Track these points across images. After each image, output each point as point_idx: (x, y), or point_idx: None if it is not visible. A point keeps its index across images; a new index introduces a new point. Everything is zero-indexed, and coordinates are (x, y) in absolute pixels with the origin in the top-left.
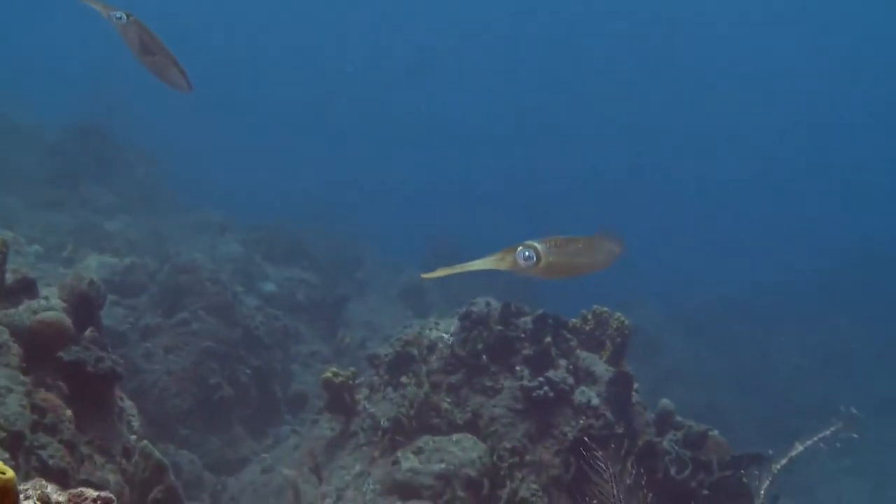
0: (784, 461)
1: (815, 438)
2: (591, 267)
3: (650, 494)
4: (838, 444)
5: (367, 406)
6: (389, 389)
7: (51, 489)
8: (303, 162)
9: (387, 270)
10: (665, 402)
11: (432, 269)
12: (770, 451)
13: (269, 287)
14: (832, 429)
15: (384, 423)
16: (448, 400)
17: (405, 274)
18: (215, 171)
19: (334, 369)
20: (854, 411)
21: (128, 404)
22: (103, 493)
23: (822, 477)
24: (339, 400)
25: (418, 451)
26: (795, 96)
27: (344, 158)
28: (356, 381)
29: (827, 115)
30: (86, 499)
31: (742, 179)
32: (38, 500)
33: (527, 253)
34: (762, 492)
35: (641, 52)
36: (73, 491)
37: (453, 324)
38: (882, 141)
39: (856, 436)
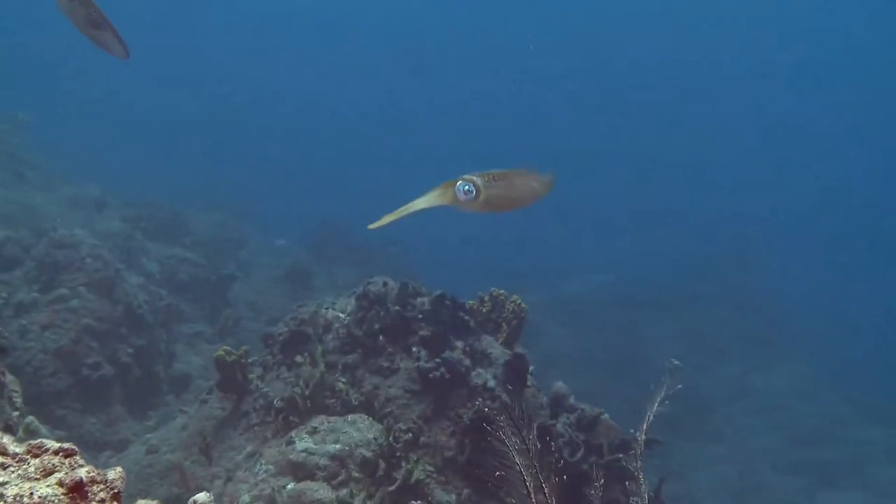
0: (645, 430)
1: (657, 403)
2: (525, 200)
3: (553, 475)
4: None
5: (259, 385)
6: (283, 369)
7: (6, 440)
8: (185, 137)
9: (271, 252)
10: (559, 385)
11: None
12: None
13: (152, 265)
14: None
15: (277, 402)
16: (343, 380)
17: (289, 256)
18: (93, 144)
19: (227, 347)
20: (676, 362)
21: (9, 379)
22: (65, 445)
23: (694, 465)
24: (231, 379)
25: (313, 432)
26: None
27: (228, 137)
28: (249, 360)
29: (696, 107)
30: (47, 450)
31: (620, 170)
32: None
33: (466, 187)
34: (641, 476)
35: None
36: (33, 442)
37: (350, 303)
38: (755, 133)
39: (680, 386)
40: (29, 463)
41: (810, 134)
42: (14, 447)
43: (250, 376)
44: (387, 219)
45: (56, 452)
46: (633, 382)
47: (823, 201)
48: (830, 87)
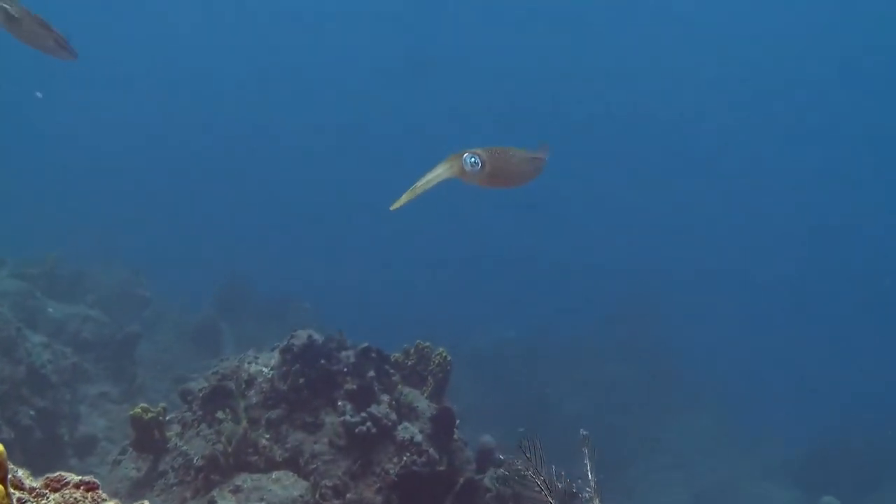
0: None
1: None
2: (526, 175)
3: None
4: None
5: (178, 444)
6: (204, 426)
7: (21, 473)
8: (80, 192)
9: (176, 309)
10: (486, 438)
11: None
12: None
13: (53, 324)
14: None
15: (198, 460)
16: (267, 436)
17: (197, 313)
18: None
19: (144, 405)
20: (584, 432)
21: None
22: (86, 478)
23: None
24: (148, 437)
25: (236, 490)
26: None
27: (129, 190)
28: (167, 418)
29: (596, 160)
30: (67, 483)
31: (522, 223)
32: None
33: (473, 159)
34: None
35: None
36: (52, 475)
37: (273, 357)
38: (655, 187)
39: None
40: (48, 497)
41: (713, 189)
42: (30, 481)
43: (168, 434)
44: (405, 198)
45: (77, 486)
46: (540, 438)
47: (727, 255)
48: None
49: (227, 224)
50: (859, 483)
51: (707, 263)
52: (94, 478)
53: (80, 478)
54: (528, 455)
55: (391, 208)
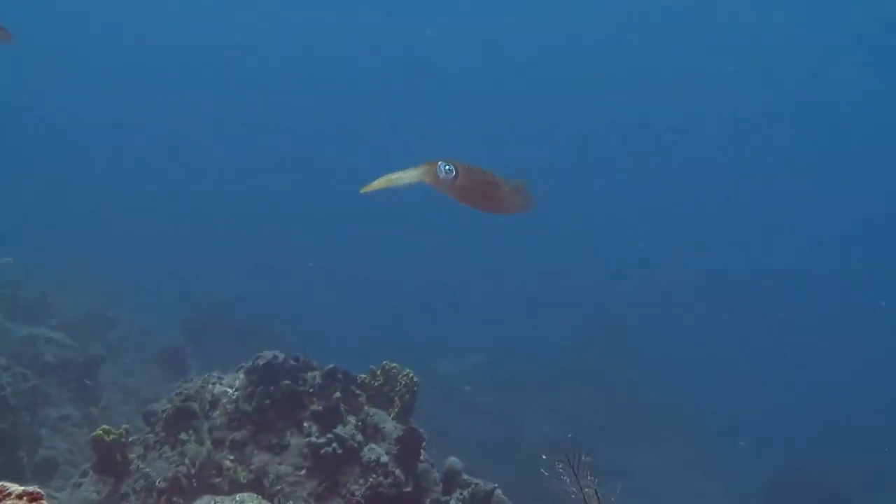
0: None
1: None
2: (502, 203)
3: None
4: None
5: (140, 466)
6: (167, 448)
7: None
8: (44, 212)
9: (141, 331)
10: (452, 460)
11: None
12: None
13: (14, 346)
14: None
15: (160, 483)
16: (231, 458)
17: (162, 335)
18: None
19: (105, 426)
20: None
21: None
22: (29, 488)
23: None
24: (109, 460)
25: None
26: None
27: (95, 210)
28: (129, 440)
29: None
30: (10, 493)
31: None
32: None
33: (447, 167)
34: None
35: None
36: None
37: (238, 378)
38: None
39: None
40: None
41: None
42: None
43: (130, 456)
44: (376, 184)
45: (20, 496)
46: (509, 463)
47: (690, 280)
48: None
49: (202, 246)
50: None
51: (679, 280)
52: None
53: (23, 488)
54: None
55: (361, 191)
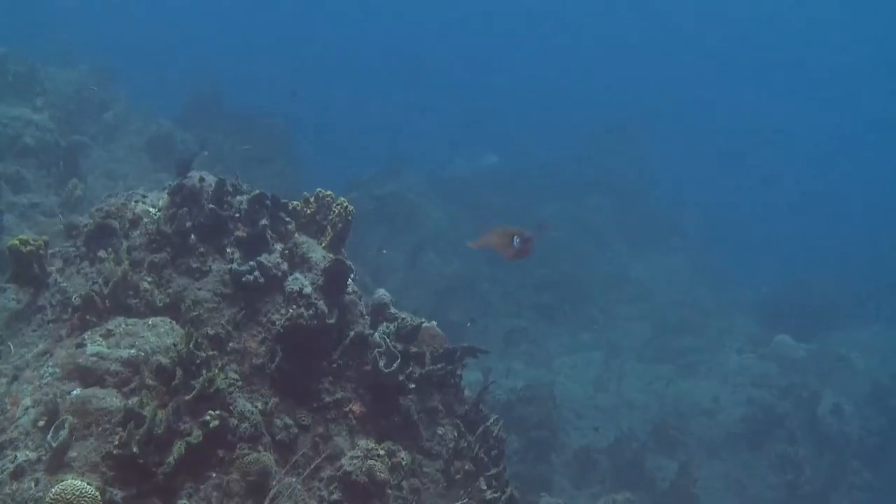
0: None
1: None
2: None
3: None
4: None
5: (58, 280)
6: (86, 264)
7: None
8: None
9: (139, 116)
10: (381, 293)
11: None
12: (486, 349)
13: None
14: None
15: (75, 299)
16: (149, 279)
17: (158, 121)
18: None
19: (23, 236)
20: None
21: None
22: None
23: (562, 351)
24: (27, 271)
25: (107, 335)
26: None
27: None
28: (49, 251)
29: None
30: None
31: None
32: None
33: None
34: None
35: None
36: None
37: (162, 198)
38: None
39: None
40: None
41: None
42: None
43: (49, 269)
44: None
45: None
46: (509, 269)
47: (707, 95)
48: None
49: (207, 33)
50: (810, 324)
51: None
52: None
53: None
54: None
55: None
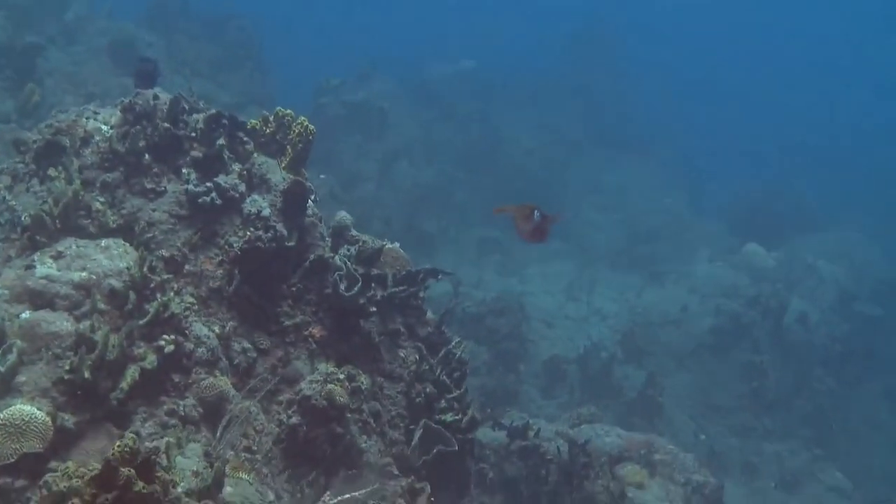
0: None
1: None
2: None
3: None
4: None
5: (7, 198)
6: (35, 181)
7: None
8: None
9: (102, 16)
10: (342, 215)
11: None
12: (450, 271)
13: None
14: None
15: (25, 219)
16: (101, 200)
17: (122, 23)
18: None
19: None
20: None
21: None
22: None
23: (534, 260)
24: None
25: (58, 256)
26: None
27: None
28: None
29: None
30: None
31: None
32: None
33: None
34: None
35: None
36: None
37: (115, 115)
38: None
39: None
40: None
41: None
42: None
43: None
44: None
45: None
46: (486, 174)
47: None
48: None
49: None
50: (777, 233)
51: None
52: None
53: None
54: None
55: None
